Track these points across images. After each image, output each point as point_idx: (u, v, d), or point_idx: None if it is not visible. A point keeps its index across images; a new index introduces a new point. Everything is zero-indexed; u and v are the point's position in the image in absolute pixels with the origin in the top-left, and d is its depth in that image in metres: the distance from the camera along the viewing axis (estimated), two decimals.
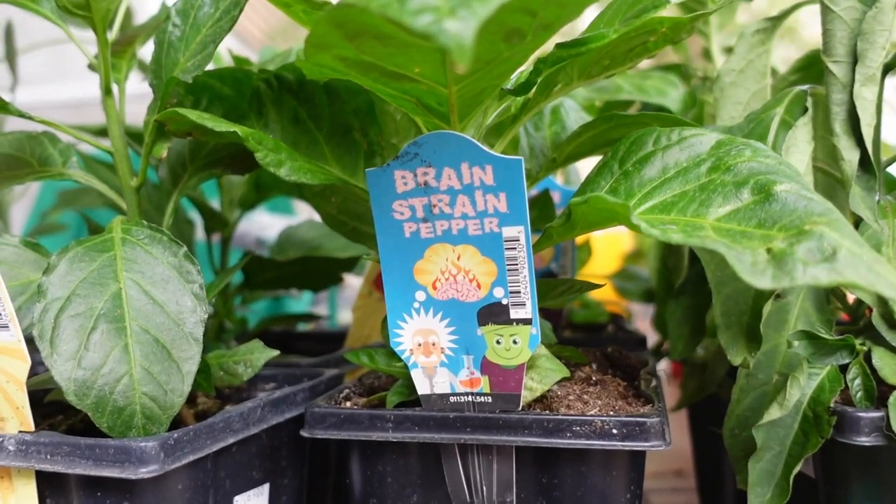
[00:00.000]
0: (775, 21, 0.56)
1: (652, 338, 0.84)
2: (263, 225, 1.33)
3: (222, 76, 0.52)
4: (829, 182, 0.54)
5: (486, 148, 0.40)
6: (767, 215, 0.38)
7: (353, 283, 1.25)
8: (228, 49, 0.68)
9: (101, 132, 0.72)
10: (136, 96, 0.58)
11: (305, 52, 0.36)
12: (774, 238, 0.37)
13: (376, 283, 0.74)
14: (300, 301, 1.48)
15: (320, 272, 0.69)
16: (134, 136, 0.68)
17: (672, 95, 0.72)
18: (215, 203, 0.76)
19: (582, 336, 0.81)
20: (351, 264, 0.70)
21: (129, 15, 0.88)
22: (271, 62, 0.64)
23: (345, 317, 1.50)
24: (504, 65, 0.39)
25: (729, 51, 0.87)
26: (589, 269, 1.00)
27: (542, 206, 0.63)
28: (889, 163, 0.54)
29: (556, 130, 0.58)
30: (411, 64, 0.36)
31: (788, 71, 0.64)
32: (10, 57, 0.75)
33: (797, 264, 0.34)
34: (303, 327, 1.01)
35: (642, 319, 1.21)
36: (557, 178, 0.83)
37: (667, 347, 0.75)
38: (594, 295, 1.08)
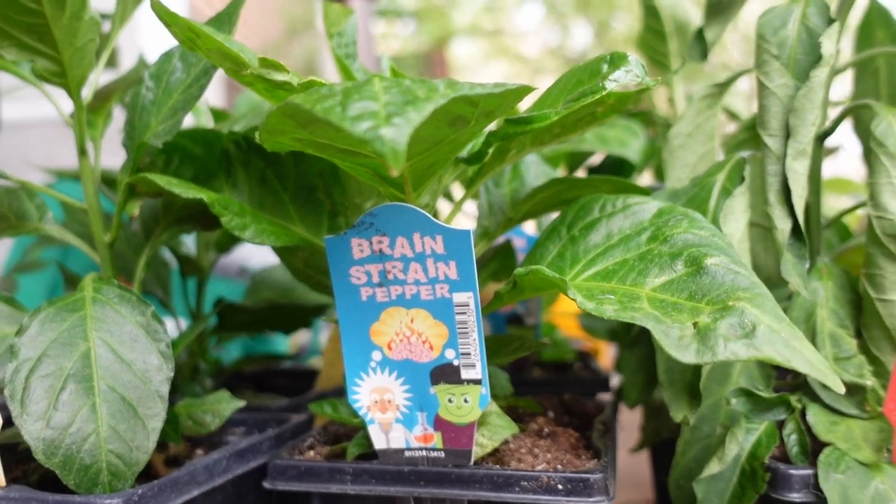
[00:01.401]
0: (721, 87, 0.59)
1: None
2: (247, 255, 1.35)
3: (194, 136, 0.54)
4: (770, 238, 0.56)
5: (436, 220, 0.43)
6: (698, 287, 0.41)
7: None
8: (207, 103, 0.70)
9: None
10: None
11: (262, 136, 0.38)
12: (702, 311, 0.39)
13: None
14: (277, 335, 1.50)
15: (291, 318, 0.71)
16: (110, 183, 0.71)
17: (633, 146, 0.75)
18: (191, 242, 0.78)
19: (548, 375, 0.83)
20: (320, 311, 0.72)
21: (114, 55, 0.91)
22: (244, 117, 0.66)
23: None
24: (452, 143, 0.42)
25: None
26: (558, 307, 1.03)
27: (503, 257, 0.66)
28: (831, 222, 0.57)
29: (516, 187, 0.60)
30: (362, 146, 0.39)
31: (739, 129, 0.67)
32: None
33: (719, 340, 0.37)
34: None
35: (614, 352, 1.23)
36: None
37: None
38: (564, 331, 1.11)
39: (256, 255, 1.35)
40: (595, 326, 0.88)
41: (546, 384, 0.78)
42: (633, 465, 0.93)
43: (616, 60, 0.42)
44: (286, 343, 1.38)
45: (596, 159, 0.87)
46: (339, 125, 0.30)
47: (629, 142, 0.75)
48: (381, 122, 0.30)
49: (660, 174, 0.79)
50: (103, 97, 0.60)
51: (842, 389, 0.36)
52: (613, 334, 0.87)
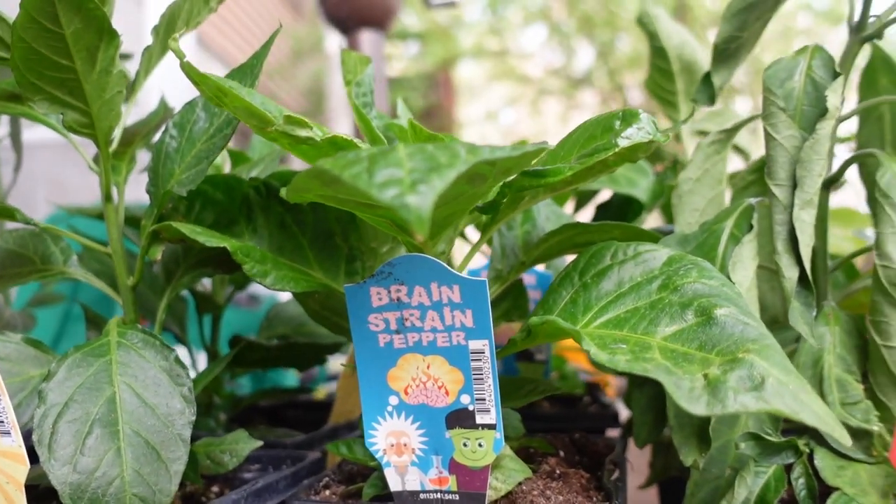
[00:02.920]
0: (729, 132, 0.60)
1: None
2: (256, 285, 1.37)
3: (215, 182, 0.56)
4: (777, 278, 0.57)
5: (453, 271, 0.44)
6: (708, 338, 0.42)
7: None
8: (227, 148, 0.72)
9: (101, 214, 0.76)
10: None
11: (288, 194, 0.40)
12: (712, 363, 0.40)
13: None
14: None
15: (305, 355, 0.72)
16: (133, 222, 0.72)
17: (641, 185, 0.76)
18: (207, 278, 0.79)
19: (558, 410, 0.84)
20: (334, 349, 0.73)
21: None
22: (263, 160, 0.68)
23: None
24: (470, 197, 0.43)
25: (701, 133, 0.92)
26: (567, 340, 1.03)
27: (514, 296, 0.67)
28: (837, 266, 0.58)
29: (528, 229, 0.62)
30: (388, 211, 0.40)
31: (747, 170, 0.68)
32: (16, 143, 0.79)
33: (729, 392, 0.38)
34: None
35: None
36: None
37: None
38: (573, 362, 1.12)
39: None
40: None
41: (557, 419, 0.79)
42: (642, 500, 0.94)
43: (629, 118, 0.44)
44: (294, 372, 1.39)
45: (605, 194, 0.88)
46: (366, 191, 0.32)
47: (638, 181, 0.77)
48: (406, 190, 0.31)
49: (668, 212, 0.80)
50: (127, 142, 0.62)
51: (848, 442, 0.37)
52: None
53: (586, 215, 0.89)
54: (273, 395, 0.81)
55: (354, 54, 0.60)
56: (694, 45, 0.82)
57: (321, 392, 1.10)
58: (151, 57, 0.56)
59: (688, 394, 0.39)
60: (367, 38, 1.34)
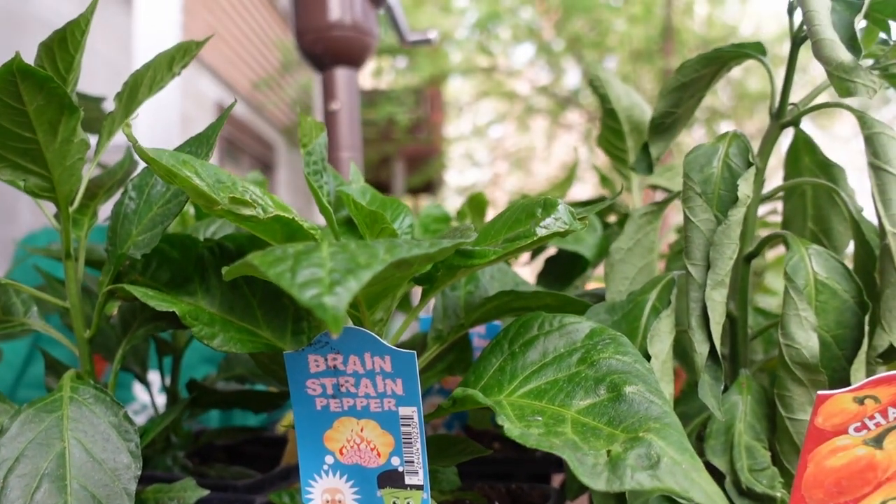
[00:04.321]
0: (661, 205, 0.64)
1: None
2: None
3: (172, 241, 0.59)
4: None
5: (384, 342, 0.48)
6: (616, 413, 0.46)
7: None
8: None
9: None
10: None
11: (226, 275, 0.43)
12: (617, 439, 0.44)
13: None
14: None
15: (260, 401, 0.75)
16: (96, 264, 0.75)
17: (587, 242, 0.80)
18: None
19: (506, 452, 0.87)
20: (287, 396, 0.76)
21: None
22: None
23: None
24: (401, 278, 0.47)
25: (652, 187, 0.96)
26: None
27: (459, 350, 0.70)
28: (756, 334, 0.62)
29: (471, 290, 0.65)
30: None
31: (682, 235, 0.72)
32: None
33: (627, 469, 0.41)
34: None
35: None
36: None
37: None
38: None
39: None
40: None
41: (503, 463, 0.82)
42: None
43: (548, 207, 0.47)
44: None
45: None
46: (288, 290, 0.35)
47: (585, 238, 0.80)
48: (324, 291, 0.34)
49: None
50: (91, 195, 0.65)
51: None
52: None
53: (540, 266, 0.93)
54: (230, 434, 0.84)
55: (311, 120, 0.64)
56: (643, 108, 0.86)
57: (284, 424, 1.12)
58: (114, 122, 0.59)
59: (590, 470, 0.42)
60: (341, 75, 1.37)
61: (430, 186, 10.74)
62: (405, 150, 9.57)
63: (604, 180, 0.99)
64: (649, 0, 8.11)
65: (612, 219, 0.96)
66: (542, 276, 0.88)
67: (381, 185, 9.29)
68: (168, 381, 0.79)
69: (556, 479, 0.88)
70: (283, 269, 0.36)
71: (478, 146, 11.38)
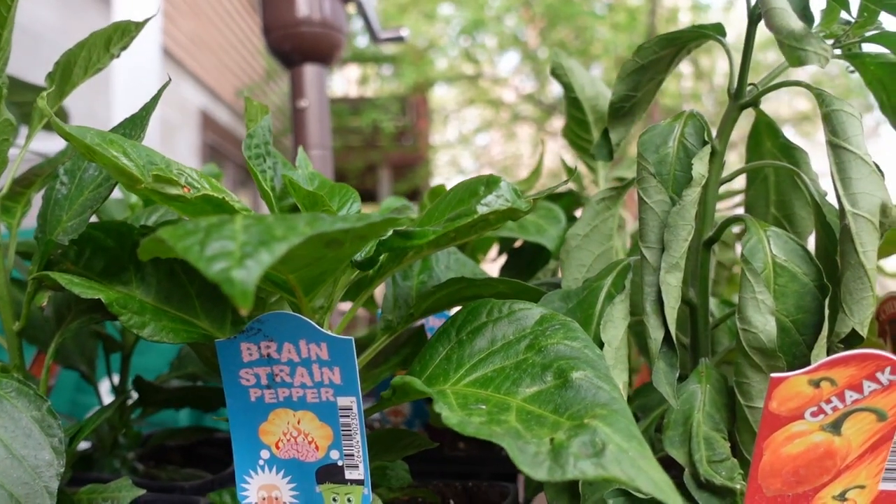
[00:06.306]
0: (619, 191, 0.62)
1: None
2: None
3: (106, 229, 0.56)
4: None
5: (320, 328, 0.45)
6: (563, 401, 0.43)
7: None
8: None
9: None
10: None
11: (140, 254, 0.40)
12: (562, 426, 0.41)
13: None
14: None
15: (209, 399, 0.72)
16: (27, 257, 0.72)
17: (550, 233, 0.78)
18: None
19: (469, 451, 0.85)
20: None
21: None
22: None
23: None
24: (335, 259, 0.44)
25: (618, 179, 0.94)
26: None
27: (415, 343, 0.68)
28: (718, 322, 0.60)
29: (423, 279, 0.62)
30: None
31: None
32: None
33: (570, 458, 0.39)
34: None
35: None
36: None
37: None
38: None
39: None
40: None
41: (464, 462, 0.79)
42: None
43: (490, 185, 0.45)
44: None
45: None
46: (195, 264, 0.32)
47: (547, 229, 0.78)
48: (234, 265, 0.32)
49: None
50: (27, 183, 0.62)
51: None
52: None
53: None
54: (184, 435, 0.81)
55: (256, 103, 0.61)
56: (608, 97, 0.83)
57: (217, 417, 1.09)
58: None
59: (531, 459, 0.40)
60: (310, 71, 1.35)
61: (416, 194, 10.72)
62: (391, 157, 9.55)
63: (569, 172, 0.97)
64: (634, 8, 8.15)
65: (579, 213, 0.94)
66: (506, 269, 0.86)
67: (366, 192, 9.26)
68: (117, 380, 0.76)
69: (523, 479, 0.85)
70: (192, 241, 0.34)
71: (464, 154, 11.38)
